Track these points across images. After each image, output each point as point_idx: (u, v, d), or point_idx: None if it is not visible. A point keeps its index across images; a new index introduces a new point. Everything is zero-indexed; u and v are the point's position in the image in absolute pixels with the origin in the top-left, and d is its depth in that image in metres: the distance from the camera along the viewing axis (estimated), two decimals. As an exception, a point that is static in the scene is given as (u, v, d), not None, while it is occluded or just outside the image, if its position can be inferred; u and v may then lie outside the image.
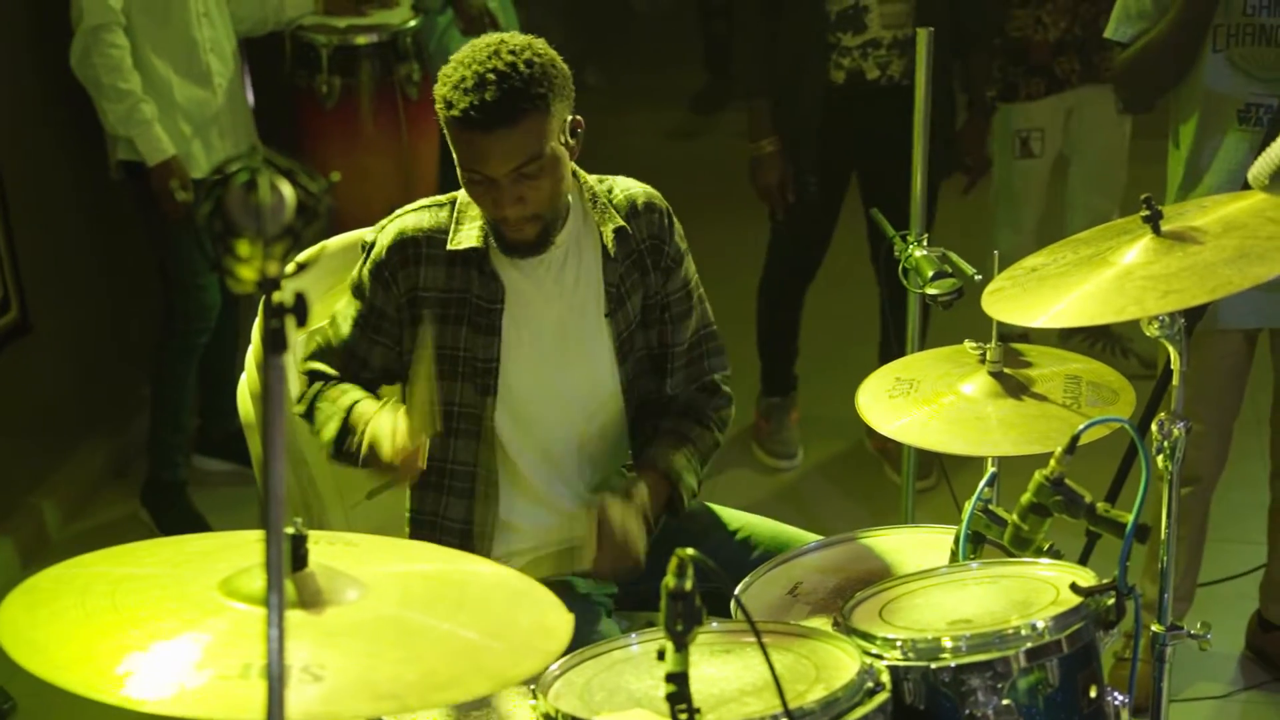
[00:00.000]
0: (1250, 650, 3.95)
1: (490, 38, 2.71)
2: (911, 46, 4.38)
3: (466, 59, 2.67)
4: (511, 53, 2.65)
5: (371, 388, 2.92)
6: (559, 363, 2.87)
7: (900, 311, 3.48)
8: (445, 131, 2.72)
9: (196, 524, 4.62)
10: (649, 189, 2.95)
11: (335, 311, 2.93)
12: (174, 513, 4.67)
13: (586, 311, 2.88)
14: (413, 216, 2.86)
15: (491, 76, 2.62)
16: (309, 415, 2.90)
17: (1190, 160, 3.51)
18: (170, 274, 4.61)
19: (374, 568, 1.99)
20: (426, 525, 2.89)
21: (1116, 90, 3.65)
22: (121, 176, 4.51)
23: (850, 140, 4.52)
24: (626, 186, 2.93)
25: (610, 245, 2.86)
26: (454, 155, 2.73)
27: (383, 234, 2.85)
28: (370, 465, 2.71)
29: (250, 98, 4.90)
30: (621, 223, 2.87)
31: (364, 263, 2.87)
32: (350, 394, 2.85)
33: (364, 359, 2.90)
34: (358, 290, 2.88)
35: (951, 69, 4.58)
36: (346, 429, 2.78)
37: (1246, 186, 2.61)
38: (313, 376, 2.94)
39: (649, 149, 7.29)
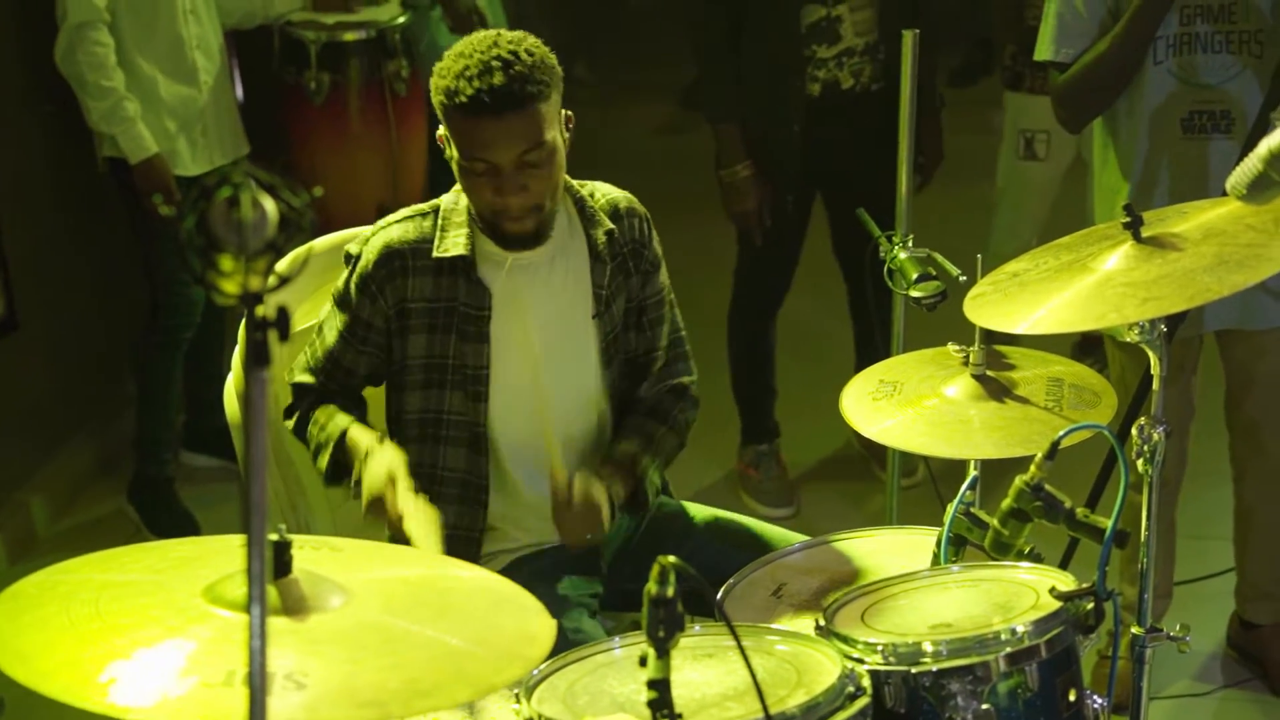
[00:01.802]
0: (1232, 649, 3.98)
1: (485, 33, 2.77)
2: (878, 51, 4.37)
3: (465, 50, 2.72)
4: (511, 43, 2.72)
5: (357, 392, 2.96)
6: (546, 366, 2.89)
7: (883, 312, 3.49)
8: (446, 124, 2.76)
9: (184, 521, 4.64)
10: (628, 194, 2.98)
11: (321, 319, 2.95)
12: (162, 510, 4.67)
13: (574, 314, 2.90)
14: (397, 228, 2.87)
15: (497, 63, 2.68)
16: (300, 436, 2.94)
17: (1140, 175, 3.51)
18: (154, 270, 4.61)
19: (357, 573, 2.00)
20: None
21: (1056, 111, 3.64)
22: (107, 171, 4.51)
23: (824, 152, 4.46)
24: (606, 191, 2.97)
25: (601, 247, 2.88)
26: (454, 148, 2.76)
27: (367, 247, 2.87)
28: (372, 513, 2.75)
29: (239, 94, 4.90)
30: (610, 225, 2.90)
31: (350, 275, 2.88)
32: (337, 419, 2.88)
33: (349, 368, 2.92)
34: (343, 302, 2.89)
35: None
36: (339, 459, 2.84)
37: (1208, 194, 2.62)
38: (298, 391, 2.96)
39: (638, 144, 7.31)
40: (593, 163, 2.96)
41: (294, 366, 2.98)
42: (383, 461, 2.73)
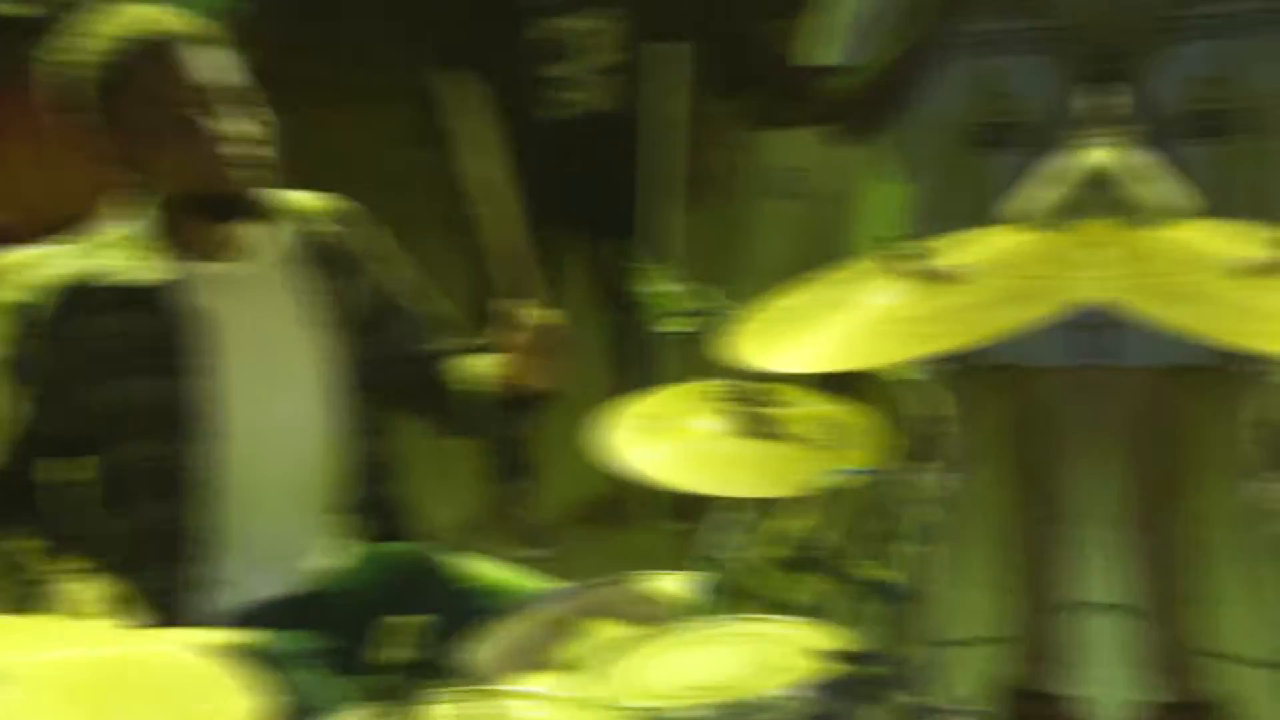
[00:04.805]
0: None
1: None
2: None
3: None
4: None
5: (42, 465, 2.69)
6: (258, 392, 2.71)
7: (644, 345, 3.41)
8: (115, 94, 2.58)
9: None
10: (330, 197, 2.89)
11: None
12: None
13: (284, 332, 2.77)
14: (61, 263, 2.64)
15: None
16: None
17: (928, 191, 3.45)
18: None
19: (22, 655, 1.75)
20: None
21: (843, 122, 3.60)
22: None
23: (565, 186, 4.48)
24: (299, 196, 2.85)
25: (302, 256, 2.79)
26: (138, 117, 2.58)
27: (28, 290, 2.61)
28: None
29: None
30: (311, 230, 2.81)
31: (14, 329, 2.61)
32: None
33: (37, 433, 2.63)
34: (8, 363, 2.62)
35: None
36: None
37: (996, 213, 2.56)
38: None
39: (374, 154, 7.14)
40: (320, 172, 2.87)
41: None
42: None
